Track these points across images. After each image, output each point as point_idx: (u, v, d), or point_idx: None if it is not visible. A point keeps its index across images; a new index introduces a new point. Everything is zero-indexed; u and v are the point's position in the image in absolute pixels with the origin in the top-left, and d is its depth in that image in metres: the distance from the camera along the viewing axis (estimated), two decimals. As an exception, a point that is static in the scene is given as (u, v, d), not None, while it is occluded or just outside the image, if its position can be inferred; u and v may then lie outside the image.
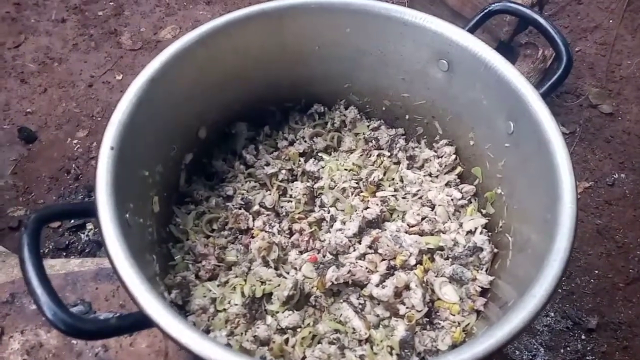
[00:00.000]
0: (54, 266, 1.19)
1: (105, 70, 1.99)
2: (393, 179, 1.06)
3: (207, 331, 0.83)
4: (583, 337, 1.44)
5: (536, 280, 0.63)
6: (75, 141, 1.79)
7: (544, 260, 0.65)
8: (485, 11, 0.93)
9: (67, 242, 1.57)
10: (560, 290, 1.50)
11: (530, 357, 1.39)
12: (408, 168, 1.07)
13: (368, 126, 1.13)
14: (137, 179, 0.82)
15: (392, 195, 1.02)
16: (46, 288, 0.54)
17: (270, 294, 0.87)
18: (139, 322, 0.59)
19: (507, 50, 1.72)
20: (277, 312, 0.86)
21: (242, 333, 0.83)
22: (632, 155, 1.78)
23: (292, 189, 1.03)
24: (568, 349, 1.42)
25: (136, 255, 0.67)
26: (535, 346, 1.41)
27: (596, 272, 1.54)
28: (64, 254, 1.56)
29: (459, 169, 1.05)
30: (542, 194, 0.75)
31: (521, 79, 0.82)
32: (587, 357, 1.42)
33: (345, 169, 1.05)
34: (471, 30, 0.91)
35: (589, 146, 1.81)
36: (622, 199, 1.69)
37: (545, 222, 0.71)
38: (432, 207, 1.01)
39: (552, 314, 1.46)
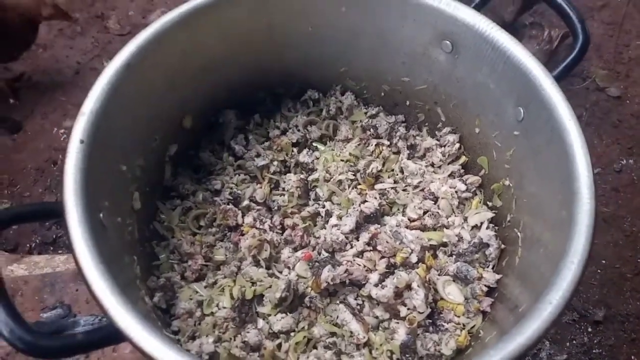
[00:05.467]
0: (38, 263, 1.15)
1: (92, 57, 1.92)
2: (392, 170, 1.01)
3: (192, 337, 0.78)
4: (589, 329, 1.40)
5: (552, 284, 0.57)
6: (62, 131, 1.73)
7: (560, 262, 0.59)
8: (493, -13, 0.86)
9: (54, 236, 1.52)
10: (566, 282, 1.46)
11: (535, 351, 1.35)
12: (409, 158, 1.02)
13: (366, 113, 1.07)
14: (113, 174, 0.76)
15: (392, 188, 0.98)
16: (2, 302, 0.48)
17: (262, 295, 0.83)
18: (111, 336, 0.53)
19: (511, 31, 1.64)
20: (269, 315, 0.82)
21: (231, 338, 0.79)
22: (641, 141, 1.73)
23: (284, 182, 0.98)
24: (574, 342, 1.38)
25: (111, 259, 0.62)
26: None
27: (603, 262, 1.50)
28: (51, 248, 1.51)
29: (463, 159, 1.00)
30: (556, 187, 0.70)
31: (532, 61, 0.76)
32: (594, 351, 1.38)
33: (342, 160, 1.01)
34: (478, 8, 0.85)
35: (595, 131, 1.75)
36: (629, 186, 1.64)
37: (560, 218, 0.66)
38: (435, 200, 0.96)
39: (558, 307, 1.42)
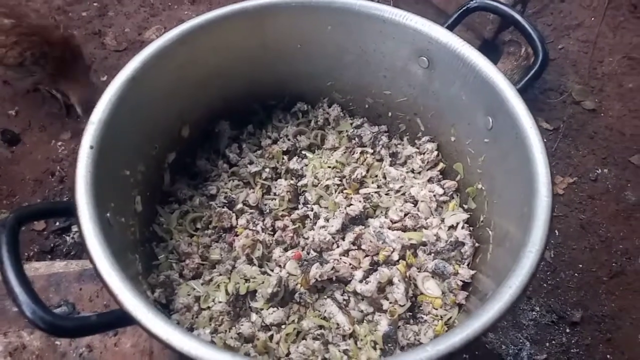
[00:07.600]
0: (39, 269, 1.18)
1: (89, 71, 1.97)
2: (376, 176, 1.06)
3: (190, 329, 0.83)
4: (568, 330, 1.45)
5: (512, 271, 0.64)
6: (59, 143, 1.77)
7: (520, 252, 0.66)
8: (464, 8, 0.94)
9: (52, 245, 1.55)
10: (545, 285, 1.52)
11: (516, 351, 1.41)
12: (391, 165, 1.08)
13: (351, 124, 1.13)
14: (118, 178, 0.82)
15: (375, 192, 1.03)
16: (24, 287, 0.54)
17: (255, 291, 0.88)
18: (120, 319, 0.59)
19: (491, 48, 1.74)
20: (262, 309, 0.86)
21: (226, 330, 0.84)
22: (615, 151, 1.80)
23: (275, 187, 1.03)
24: (553, 342, 1.44)
25: (117, 254, 0.67)
26: (521, 340, 1.42)
27: (580, 266, 1.56)
28: (49, 256, 1.54)
29: (441, 165, 1.06)
30: (520, 187, 0.76)
31: (498, 75, 0.83)
32: (572, 350, 1.43)
33: (329, 167, 1.06)
34: (450, 28, 0.92)
35: (572, 142, 1.83)
36: (605, 194, 1.70)
37: (522, 215, 0.72)
38: (415, 203, 1.02)
39: (538, 308, 1.48)
